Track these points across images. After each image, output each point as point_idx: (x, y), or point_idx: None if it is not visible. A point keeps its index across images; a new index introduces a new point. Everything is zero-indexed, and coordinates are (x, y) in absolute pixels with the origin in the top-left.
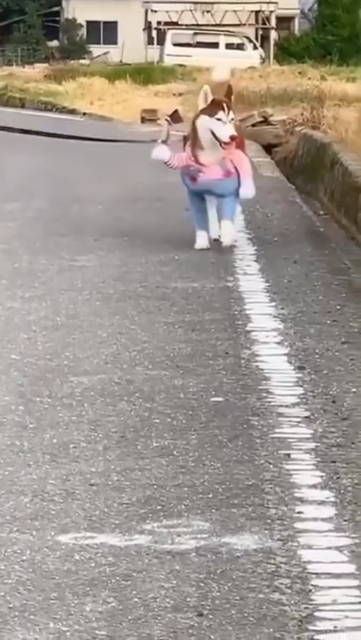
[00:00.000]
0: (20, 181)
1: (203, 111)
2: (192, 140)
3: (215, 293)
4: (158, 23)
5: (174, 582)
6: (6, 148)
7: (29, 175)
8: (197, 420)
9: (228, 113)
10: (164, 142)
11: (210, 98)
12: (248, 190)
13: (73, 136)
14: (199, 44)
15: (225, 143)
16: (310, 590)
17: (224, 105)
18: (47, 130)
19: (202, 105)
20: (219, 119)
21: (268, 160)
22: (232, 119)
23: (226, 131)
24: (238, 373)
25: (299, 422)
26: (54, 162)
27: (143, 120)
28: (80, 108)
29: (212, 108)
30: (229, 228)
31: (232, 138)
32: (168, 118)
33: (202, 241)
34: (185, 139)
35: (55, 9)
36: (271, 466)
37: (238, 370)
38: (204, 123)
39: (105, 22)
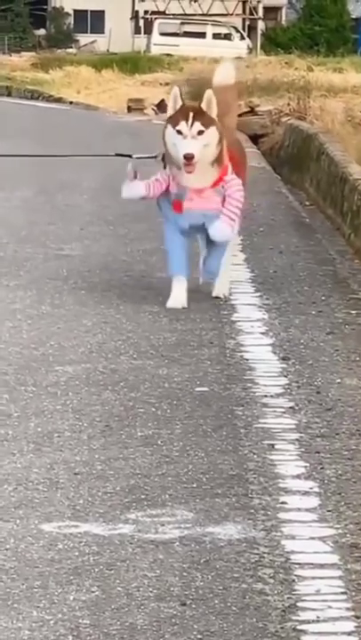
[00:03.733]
0: (4, 170)
1: (168, 120)
2: (166, 154)
3: (200, 283)
4: (145, 12)
5: (158, 572)
6: None
7: (14, 164)
8: (182, 410)
9: (193, 123)
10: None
11: (179, 103)
12: (220, 230)
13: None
14: (186, 34)
15: (183, 163)
16: (293, 580)
17: (189, 113)
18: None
19: (170, 111)
20: (179, 132)
21: (254, 150)
22: (200, 131)
23: (183, 147)
24: (223, 363)
25: (283, 413)
26: (41, 150)
27: (130, 109)
28: (67, 97)
29: (176, 117)
30: (220, 285)
31: (187, 157)
32: (154, 108)
33: (178, 293)
34: (163, 156)
35: None
36: (255, 456)
37: (223, 360)
38: (169, 135)
39: (92, 11)
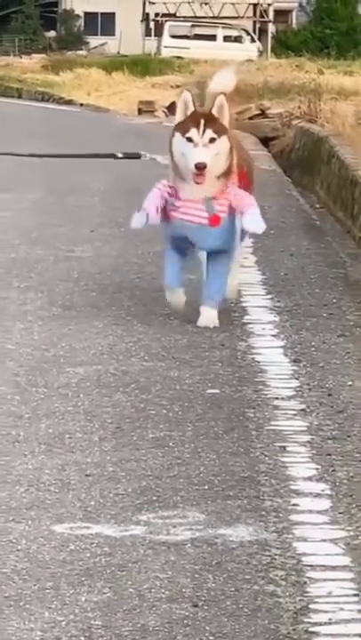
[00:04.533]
0: (15, 171)
1: (176, 127)
2: (171, 164)
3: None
4: (156, 15)
5: (169, 573)
6: (4, 138)
7: (25, 165)
8: (193, 412)
9: (205, 130)
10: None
11: (190, 108)
12: (253, 221)
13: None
14: (197, 37)
15: (193, 173)
16: (305, 582)
17: (200, 119)
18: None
19: (179, 117)
20: (189, 139)
21: (264, 153)
22: (212, 139)
23: (193, 156)
24: (234, 365)
25: (294, 415)
26: (52, 152)
27: (140, 112)
28: (77, 99)
29: (186, 124)
30: (209, 314)
31: (198, 167)
32: (165, 110)
33: (174, 297)
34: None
35: None
36: (267, 458)
37: (234, 362)
38: (178, 143)
39: (103, 13)
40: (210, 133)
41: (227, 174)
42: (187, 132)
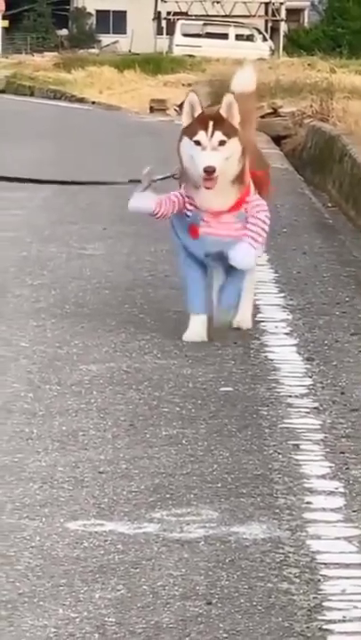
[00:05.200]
0: (28, 170)
1: (184, 131)
2: (181, 170)
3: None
4: (168, 13)
5: (183, 570)
6: (11, 136)
7: (37, 163)
8: (206, 410)
9: (213, 133)
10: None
11: (198, 110)
12: (242, 255)
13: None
14: (209, 35)
15: (202, 178)
16: (319, 580)
17: (209, 121)
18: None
19: (186, 121)
20: (197, 142)
21: (277, 151)
22: (221, 142)
23: (201, 160)
24: (247, 363)
25: (308, 413)
26: (60, 150)
27: (152, 110)
28: (89, 97)
29: (193, 127)
30: (223, 314)
31: (207, 170)
32: (177, 108)
33: (197, 327)
34: (180, 174)
35: None
36: (280, 456)
37: (247, 360)
38: (186, 148)
39: (114, 11)
40: (219, 135)
41: (241, 179)
42: (194, 135)
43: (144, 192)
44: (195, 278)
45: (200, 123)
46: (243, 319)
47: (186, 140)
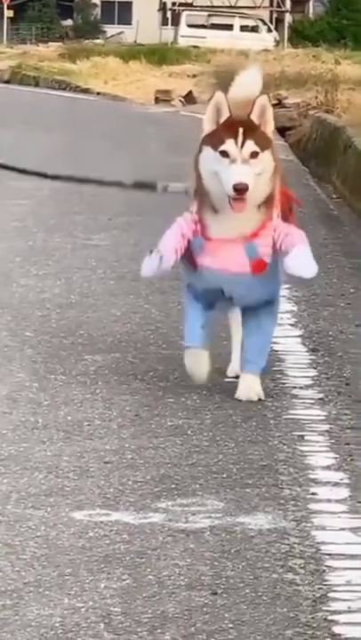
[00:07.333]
0: (35, 160)
1: (205, 140)
2: (197, 191)
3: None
4: (173, 4)
5: (188, 560)
6: (18, 127)
7: (44, 153)
8: (211, 400)
9: (244, 142)
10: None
11: (225, 114)
12: (304, 262)
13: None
14: (213, 26)
15: (231, 198)
16: (324, 571)
17: (239, 128)
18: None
19: (208, 127)
20: (224, 153)
21: (281, 143)
22: (254, 153)
23: (231, 175)
24: None
25: (313, 404)
26: (70, 140)
27: (157, 100)
28: (94, 88)
29: (219, 135)
30: (251, 382)
31: (238, 189)
32: (182, 99)
33: (195, 361)
34: (195, 192)
35: None
36: (285, 447)
37: None
38: (208, 161)
39: (119, 2)
40: (251, 146)
41: (268, 202)
42: (221, 145)
43: (153, 256)
44: (194, 311)
45: (228, 129)
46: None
47: (208, 151)
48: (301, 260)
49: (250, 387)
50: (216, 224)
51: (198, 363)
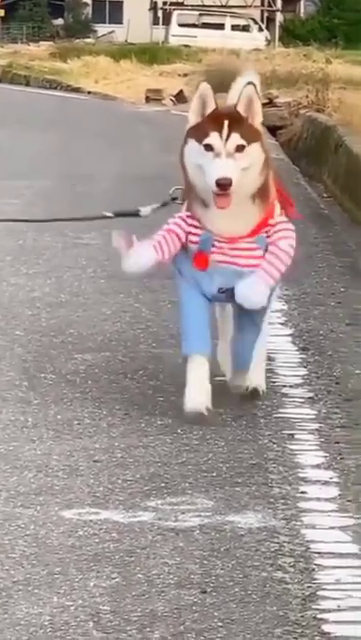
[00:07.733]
0: (27, 159)
1: (190, 132)
2: (185, 185)
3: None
4: (164, 3)
5: (178, 559)
6: (12, 127)
7: (36, 153)
8: None
9: (229, 134)
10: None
11: (211, 106)
12: (252, 291)
13: None
14: (205, 25)
15: (215, 195)
16: (313, 569)
17: (223, 120)
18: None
19: (193, 119)
20: (208, 147)
21: (272, 142)
22: (240, 146)
23: (213, 169)
24: None
25: (302, 403)
26: (64, 139)
27: (148, 100)
28: (85, 87)
29: (203, 127)
30: (256, 375)
31: (220, 184)
32: (173, 98)
33: (197, 375)
34: (184, 191)
35: None
36: (275, 445)
37: None
38: (192, 153)
39: (110, 1)
40: (236, 139)
41: (263, 195)
42: (205, 138)
43: (133, 250)
44: (195, 312)
45: (212, 122)
46: (258, 379)
47: (192, 144)
48: (249, 290)
49: (255, 378)
50: (210, 220)
51: (204, 372)
